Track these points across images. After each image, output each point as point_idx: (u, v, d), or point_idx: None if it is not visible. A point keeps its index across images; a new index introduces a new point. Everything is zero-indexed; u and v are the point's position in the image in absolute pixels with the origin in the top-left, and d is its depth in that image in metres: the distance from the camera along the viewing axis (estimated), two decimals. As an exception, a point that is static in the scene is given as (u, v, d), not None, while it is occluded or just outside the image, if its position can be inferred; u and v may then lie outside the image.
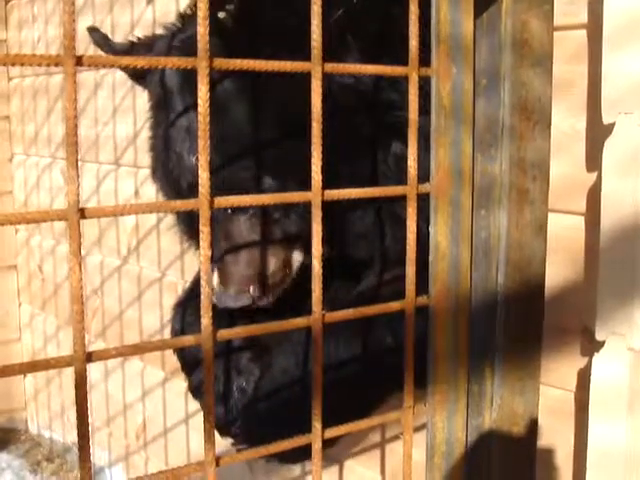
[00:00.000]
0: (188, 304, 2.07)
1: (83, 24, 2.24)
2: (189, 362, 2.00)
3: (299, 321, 1.24)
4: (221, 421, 1.83)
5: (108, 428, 3.59)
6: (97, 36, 1.95)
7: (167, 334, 2.94)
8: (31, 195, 4.13)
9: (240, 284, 1.68)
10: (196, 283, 2.15)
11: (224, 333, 1.11)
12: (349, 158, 1.63)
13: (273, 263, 1.71)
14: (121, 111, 3.23)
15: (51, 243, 3.99)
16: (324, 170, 1.20)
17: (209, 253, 1.05)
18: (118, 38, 3.12)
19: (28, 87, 4.09)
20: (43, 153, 3.96)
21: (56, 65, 0.94)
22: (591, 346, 1.36)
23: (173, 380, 3.06)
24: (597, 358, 1.32)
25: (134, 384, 3.35)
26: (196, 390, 2.03)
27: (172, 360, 2.64)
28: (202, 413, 2.32)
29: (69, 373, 3.40)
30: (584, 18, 1.42)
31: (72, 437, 4.04)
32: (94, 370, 3.47)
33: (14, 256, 4.36)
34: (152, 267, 3.12)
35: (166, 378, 3.13)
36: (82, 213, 0.97)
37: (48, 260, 4.03)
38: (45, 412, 4.29)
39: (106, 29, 3.22)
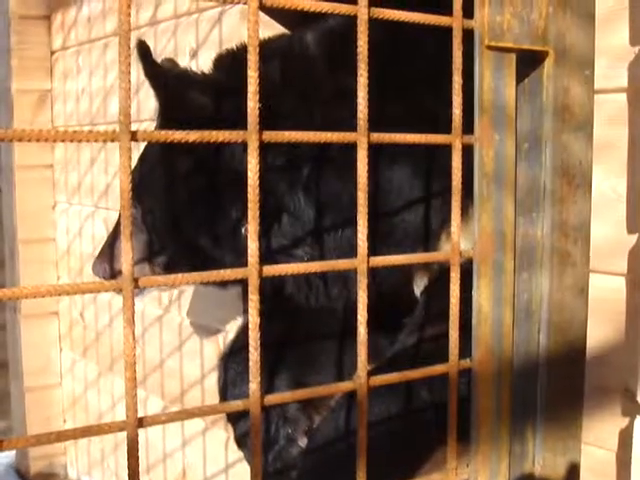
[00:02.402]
0: (233, 357, 2.10)
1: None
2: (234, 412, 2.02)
3: (344, 385, 1.26)
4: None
5: (148, 476, 3.60)
6: (148, 62, 2.04)
7: (207, 384, 2.97)
8: (73, 243, 4.18)
9: (101, 257, 2.28)
10: (240, 335, 2.18)
11: (272, 398, 1.13)
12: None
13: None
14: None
15: (92, 290, 4.01)
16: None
17: (257, 320, 1.07)
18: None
19: (72, 137, 4.13)
20: (86, 202, 4.01)
21: (112, 141, 0.98)
22: (632, 406, 1.37)
23: (213, 429, 3.07)
24: (639, 421, 1.33)
25: (174, 432, 3.37)
26: (241, 440, 2.05)
27: (213, 410, 2.65)
28: (243, 463, 2.33)
29: (108, 419, 3.39)
30: (624, 82, 1.44)
31: (111, 483, 4.07)
32: (134, 418, 3.48)
33: (56, 303, 4.41)
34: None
35: (206, 427, 3.14)
36: (136, 283, 1.00)
37: (89, 307, 4.07)
38: (85, 458, 4.30)
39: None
